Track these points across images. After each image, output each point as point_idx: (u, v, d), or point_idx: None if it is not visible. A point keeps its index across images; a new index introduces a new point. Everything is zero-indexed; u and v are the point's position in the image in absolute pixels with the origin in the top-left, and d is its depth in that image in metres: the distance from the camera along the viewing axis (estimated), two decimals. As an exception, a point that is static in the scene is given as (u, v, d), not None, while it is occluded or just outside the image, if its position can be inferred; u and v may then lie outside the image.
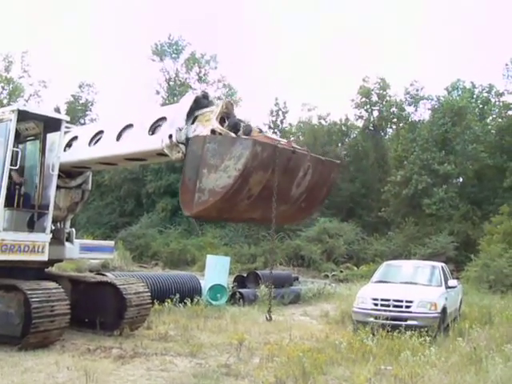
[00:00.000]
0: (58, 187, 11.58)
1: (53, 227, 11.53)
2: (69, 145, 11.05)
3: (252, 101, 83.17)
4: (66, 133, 11.29)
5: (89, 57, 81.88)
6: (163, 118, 8.68)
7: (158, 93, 52.36)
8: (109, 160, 10.84)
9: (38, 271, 11.21)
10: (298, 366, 8.42)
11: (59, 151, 10.86)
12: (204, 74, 52.63)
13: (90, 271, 19.94)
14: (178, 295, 15.18)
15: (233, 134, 7.30)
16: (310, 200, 7.85)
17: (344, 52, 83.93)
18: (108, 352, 10.10)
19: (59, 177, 11.38)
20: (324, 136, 48.16)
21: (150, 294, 12.33)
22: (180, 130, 7.95)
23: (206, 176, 6.25)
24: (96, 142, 10.13)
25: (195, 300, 15.56)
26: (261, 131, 8.02)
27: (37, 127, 11.20)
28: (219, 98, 52.73)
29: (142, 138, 8.89)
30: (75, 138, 10.82)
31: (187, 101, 8.41)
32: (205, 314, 14.44)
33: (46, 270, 12.05)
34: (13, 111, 10.45)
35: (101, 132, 10.11)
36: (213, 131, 7.47)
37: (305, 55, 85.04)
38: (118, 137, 9.46)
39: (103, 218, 42.70)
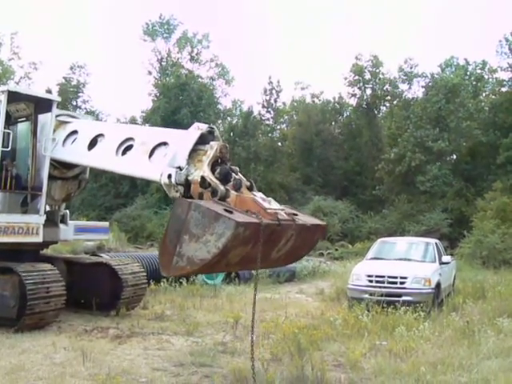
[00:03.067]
0: (55, 178, 11.46)
1: (47, 208, 11.49)
2: (67, 138, 10.64)
3: (245, 80, 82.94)
4: (66, 123, 11.02)
5: (80, 38, 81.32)
6: (165, 143, 8.41)
7: (150, 73, 52.07)
8: (106, 170, 10.77)
9: (32, 253, 11.19)
10: (293, 343, 8.50)
11: (50, 132, 10.71)
12: (196, 54, 52.32)
13: (85, 253, 19.92)
14: (173, 275, 15.20)
15: (221, 187, 7.16)
16: (288, 258, 7.81)
17: (337, 30, 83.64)
18: (105, 332, 10.17)
19: (56, 168, 11.25)
20: (317, 114, 48.12)
21: (145, 273, 12.37)
22: (180, 169, 7.72)
23: (187, 243, 6.10)
24: (95, 147, 9.80)
25: (191, 279, 15.62)
26: (251, 185, 7.68)
27: (28, 108, 11.11)
28: (212, 78, 52.73)
29: (141, 161, 8.60)
30: (75, 132, 10.55)
31: (192, 138, 8.01)
32: (200, 294, 14.53)
33: (40, 251, 12.04)
34: (3, 92, 10.33)
35: (101, 135, 9.72)
36: (203, 178, 7.44)
37: (298, 33, 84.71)
38: (117, 150, 9.17)
39: (98, 200, 42.59)
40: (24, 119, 11.35)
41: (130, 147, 8.92)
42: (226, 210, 6.20)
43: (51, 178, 11.15)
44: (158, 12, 60.61)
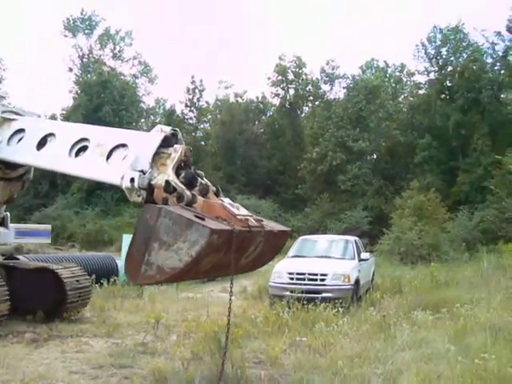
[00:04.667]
0: None
1: None
2: (13, 137, 10.06)
3: (168, 78, 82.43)
4: (11, 120, 10.08)
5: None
6: (124, 145, 7.90)
7: (70, 70, 50.95)
8: (57, 172, 10.17)
9: None
10: (214, 342, 8.50)
11: None
12: (119, 51, 51.58)
13: (2, 255, 19.20)
14: (93, 276, 14.87)
15: (188, 192, 6.91)
16: (255, 264, 7.78)
17: (261, 29, 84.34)
18: (21, 336, 9.80)
19: None
20: (241, 114, 48.36)
21: (88, 277, 11.99)
22: (143, 173, 7.29)
23: (156, 251, 5.86)
24: (45, 147, 9.25)
25: (112, 280, 15.33)
26: (218, 191, 7.47)
27: None
28: (135, 76, 52.05)
29: (97, 163, 8.05)
30: (21, 130, 9.93)
31: (155, 140, 7.61)
32: (122, 294, 14.26)
33: None
34: None
35: (51, 135, 9.01)
36: (167, 183, 7.15)
37: (221, 32, 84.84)
38: (70, 151, 8.71)
39: (16, 200, 41.17)
40: None
41: (84, 148, 8.38)
42: (197, 217, 6.02)
43: None
44: (80, 7, 59.07)
